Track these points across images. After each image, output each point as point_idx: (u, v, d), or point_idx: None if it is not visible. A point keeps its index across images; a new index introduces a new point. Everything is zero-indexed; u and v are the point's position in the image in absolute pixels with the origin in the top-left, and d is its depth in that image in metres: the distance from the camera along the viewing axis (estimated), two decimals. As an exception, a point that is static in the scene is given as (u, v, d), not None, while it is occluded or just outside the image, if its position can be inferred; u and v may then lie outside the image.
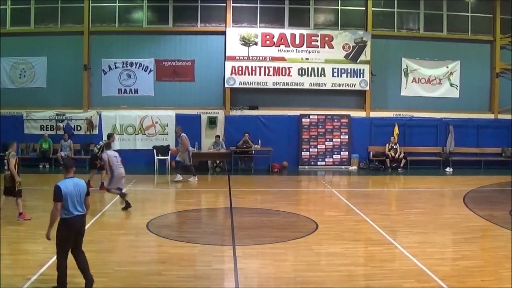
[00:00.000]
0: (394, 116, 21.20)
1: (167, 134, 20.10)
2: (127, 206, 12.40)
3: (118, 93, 20.49)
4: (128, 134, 20.15)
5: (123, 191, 12.86)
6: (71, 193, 7.00)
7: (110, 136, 15.41)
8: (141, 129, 20.13)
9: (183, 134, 17.02)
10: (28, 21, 20.55)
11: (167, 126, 20.06)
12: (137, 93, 20.52)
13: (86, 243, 8.68)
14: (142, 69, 20.43)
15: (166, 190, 16.55)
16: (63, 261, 7.01)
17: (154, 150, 19.92)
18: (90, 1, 20.33)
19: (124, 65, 20.39)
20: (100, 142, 15.60)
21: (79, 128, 20.15)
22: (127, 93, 20.50)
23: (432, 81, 21.56)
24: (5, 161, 10.76)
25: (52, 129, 20.12)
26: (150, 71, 20.47)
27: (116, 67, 20.40)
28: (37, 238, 9.50)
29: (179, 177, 16.93)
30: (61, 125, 20.07)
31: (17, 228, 10.71)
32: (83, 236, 7.37)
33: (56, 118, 20.13)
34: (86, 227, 9.38)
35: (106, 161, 12.88)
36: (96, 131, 19.97)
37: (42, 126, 20.16)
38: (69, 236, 7.02)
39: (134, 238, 10.02)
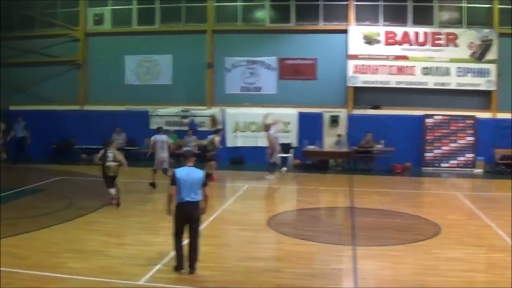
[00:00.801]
0: (523, 117, 20.24)
1: (290, 132, 20.16)
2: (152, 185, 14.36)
3: (241, 91, 20.83)
4: (250, 131, 20.34)
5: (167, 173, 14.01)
6: (185, 180, 7.47)
7: (218, 131, 16.61)
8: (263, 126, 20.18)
9: (269, 131, 17.29)
10: (153, 20, 21.23)
11: (290, 124, 20.11)
12: (259, 91, 20.74)
13: (206, 237, 8.89)
14: (265, 67, 20.60)
15: (286, 188, 16.69)
16: (176, 242, 7.61)
17: (276, 148, 19.97)
18: (214, 1, 20.74)
19: (247, 63, 20.65)
20: (208, 137, 16.34)
21: (203, 124, 20.54)
22: (250, 91, 20.79)
23: None
24: (110, 154, 12.19)
25: (177, 125, 20.62)
26: (273, 69, 20.61)
27: (239, 65, 20.70)
28: (158, 230, 9.79)
29: (280, 170, 17.37)
30: (185, 121, 20.54)
31: (139, 220, 11.14)
32: (198, 222, 7.67)
33: (181, 114, 20.66)
34: (208, 221, 9.76)
35: (151, 144, 14.65)
36: (219, 128, 20.25)
37: (167, 122, 20.69)
38: (180, 219, 7.52)
39: (254, 234, 10.13)
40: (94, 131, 19.93)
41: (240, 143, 20.20)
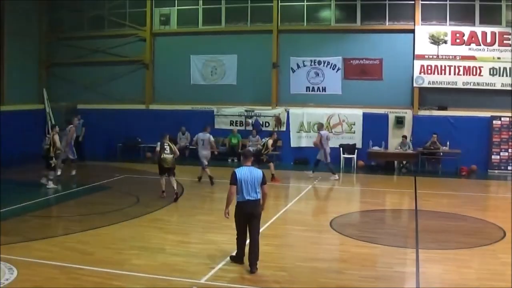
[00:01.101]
0: None
1: (354, 133, 20.19)
2: (211, 181, 15.36)
3: (306, 91, 20.90)
4: (315, 132, 20.34)
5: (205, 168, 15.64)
6: (245, 179, 7.65)
7: (272, 134, 16.87)
8: (328, 127, 20.13)
9: (319, 131, 17.40)
10: (219, 20, 21.51)
11: (354, 124, 20.15)
12: (324, 91, 20.78)
13: (268, 237, 9.14)
14: (330, 68, 20.63)
15: (350, 189, 16.84)
16: (238, 237, 7.90)
17: (341, 149, 20.01)
18: (279, 1, 20.84)
19: (312, 63, 20.74)
20: (263, 140, 16.71)
21: (267, 124, 20.79)
22: (314, 91, 20.85)
23: None
24: (167, 147, 13.21)
25: (241, 124, 20.96)
26: (338, 69, 20.61)
27: (304, 65, 20.80)
28: (223, 229, 9.85)
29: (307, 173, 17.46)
30: (250, 121, 20.85)
31: (204, 218, 11.40)
32: (259, 220, 7.84)
33: (245, 114, 20.95)
34: (270, 221, 10.03)
35: (194, 141, 16.18)
36: (283, 128, 20.52)
37: (231, 122, 21.07)
38: (241, 218, 7.71)
39: (316, 235, 10.24)
40: (159, 130, 20.15)
41: (304, 143, 20.37)
